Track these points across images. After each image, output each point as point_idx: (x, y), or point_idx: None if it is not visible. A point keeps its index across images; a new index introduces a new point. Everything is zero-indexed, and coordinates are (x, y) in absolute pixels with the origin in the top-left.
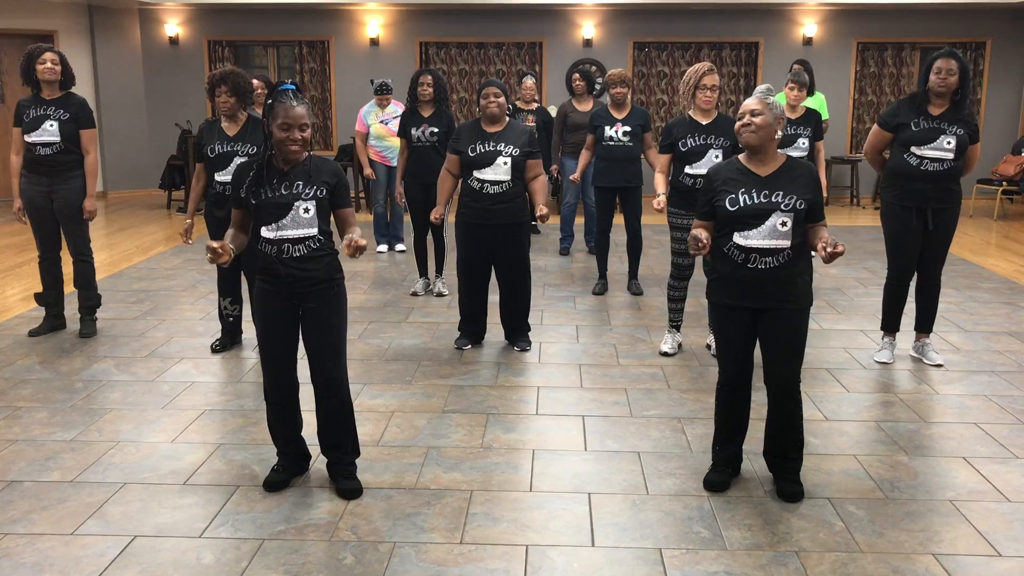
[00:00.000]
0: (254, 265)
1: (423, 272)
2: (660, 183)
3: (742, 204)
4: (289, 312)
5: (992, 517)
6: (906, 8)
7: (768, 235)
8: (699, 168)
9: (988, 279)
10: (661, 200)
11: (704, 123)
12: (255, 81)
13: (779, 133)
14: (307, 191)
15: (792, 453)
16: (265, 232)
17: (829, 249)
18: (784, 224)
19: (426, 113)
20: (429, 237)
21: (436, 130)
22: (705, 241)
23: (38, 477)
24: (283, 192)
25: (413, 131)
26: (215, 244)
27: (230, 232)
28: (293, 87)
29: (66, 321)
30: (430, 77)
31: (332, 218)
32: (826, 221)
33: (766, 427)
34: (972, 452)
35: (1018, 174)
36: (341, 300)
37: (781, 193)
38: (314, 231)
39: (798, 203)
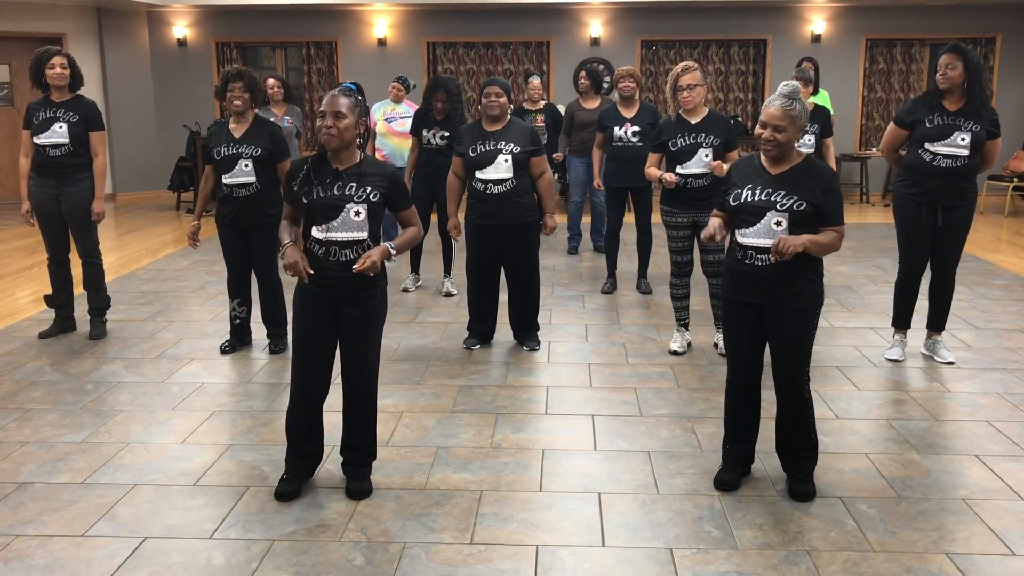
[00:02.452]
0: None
1: (415, 268)
2: (654, 174)
3: (743, 200)
4: (328, 314)
5: (1006, 515)
6: (915, 4)
7: (763, 234)
8: (690, 167)
9: (999, 276)
10: (667, 177)
11: (693, 122)
12: (270, 80)
13: (800, 138)
14: (359, 193)
15: (804, 452)
16: (315, 232)
17: (777, 249)
18: (779, 224)
19: (439, 116)
20: (436, 238)
21: (447, 133)
22: (719, 234)
23: (48, 479)
24: (335, 193)
25: (424, 132)
26: (291, 262)
27: (290, 227)
28: (352, 86)
29: (76, 323)
30: (444, 95)
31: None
32: (841, 228)
33: (776, 425)
34: (985, 450)
35: None
36: (380, 309)
37: (783, 193)
38: (364, 235)
39: (796, 204)
